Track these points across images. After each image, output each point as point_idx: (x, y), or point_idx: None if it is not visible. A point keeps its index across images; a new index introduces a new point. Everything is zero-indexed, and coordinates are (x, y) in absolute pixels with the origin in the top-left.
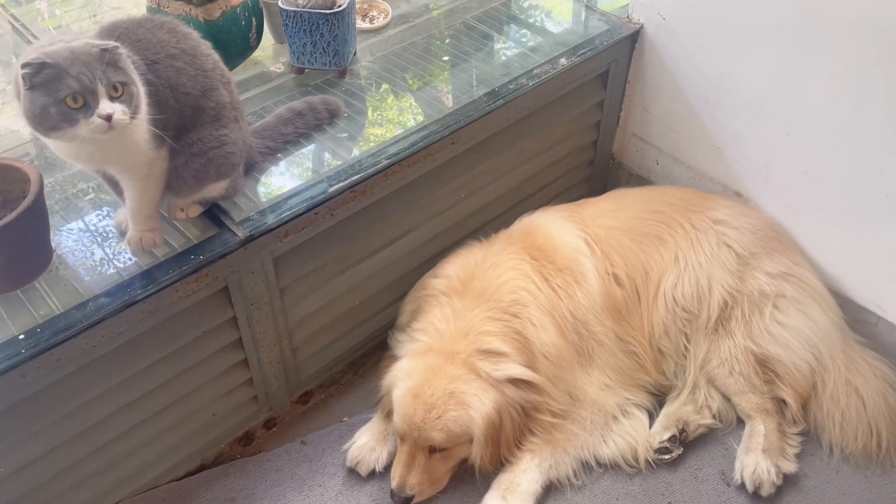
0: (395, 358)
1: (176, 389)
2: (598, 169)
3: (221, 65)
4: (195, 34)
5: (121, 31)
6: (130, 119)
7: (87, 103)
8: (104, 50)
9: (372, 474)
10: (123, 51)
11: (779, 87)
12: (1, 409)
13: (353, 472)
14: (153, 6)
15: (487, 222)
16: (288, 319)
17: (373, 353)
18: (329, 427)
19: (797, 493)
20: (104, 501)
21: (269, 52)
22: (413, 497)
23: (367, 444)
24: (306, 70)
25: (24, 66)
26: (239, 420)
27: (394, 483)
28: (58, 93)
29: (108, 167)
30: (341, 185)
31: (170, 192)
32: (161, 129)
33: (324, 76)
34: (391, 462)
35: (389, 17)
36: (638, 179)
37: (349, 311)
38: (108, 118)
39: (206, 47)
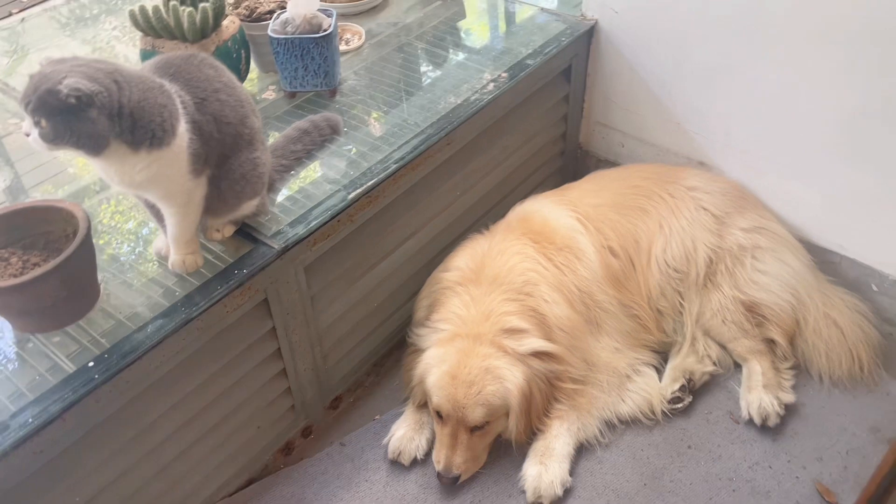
0: (419, 351)
1: (226, 404)
2: (568, 159)
3: (248, 94)
4: (225, 67)
5: (175, 69)
6: (48, 148)
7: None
8: (58, 95)
9: (414, 462)
10: (92, 107)
11: (729, 61)
12: (78, 436)
13: (395, 463)
14: (147, 48)
15: (481, 217)
16: (318, 326)
17: (391, 353)
18: (364, 427)
19: (798, 419)
20: None
21: (255, 82)
22: (460, 476)
23: (405, 434)
24: (297, 93)
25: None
26: (280, 431)
27: (440, 466)
28: None
29: (146, 194)
30: (358, 191)
31: (207, 214)
32: (204, 161)
33: (315, 97)
34: (430, 449)
35: (363, 38)
36: (606, 164)
37: (369, 314)
38: (26, 135)
39: (236, 79)
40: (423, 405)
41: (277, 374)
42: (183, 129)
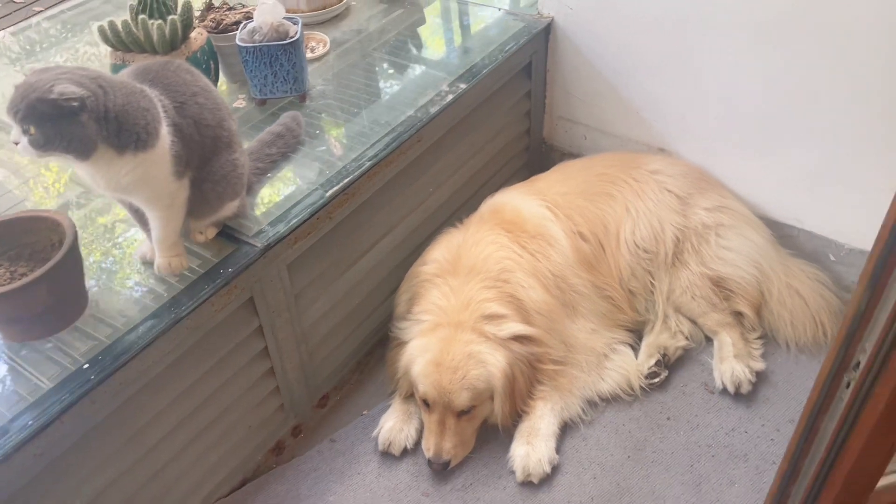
0: (402, 344)
1: (217, 404)
2: (533, 154)
3: (223, 98)
4: (201, 73)
5: (153, 74)
6: (38, 155)
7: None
8: (49, 102)
9: (404, 452)
10: (83, 111)
11: (680, 51)
12: (76, 439)
13: (386, 454)
14: (118, 63)
15: (453, 213)
16: (302, 325)
17: (373, 350)
18: (352, 423)
19: (769, 386)
20: None
21: (224, 92)
22: (450, 462)
23: (394, 425)
24: (268, 100)
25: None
26: (270, 431)
27: (430, 453)
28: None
29: (131, 198)
30: (335, 188)
31: (191, 216)
32: (186, 163)
33: (286, 103)
34: (419, 439)
35: (328, 45)
36: (570, 157)
37: (351, 311)
38: (15, 143)
39: (211, 84)
40: (410, 396)
41: (265, 373)
42: (165, 131)
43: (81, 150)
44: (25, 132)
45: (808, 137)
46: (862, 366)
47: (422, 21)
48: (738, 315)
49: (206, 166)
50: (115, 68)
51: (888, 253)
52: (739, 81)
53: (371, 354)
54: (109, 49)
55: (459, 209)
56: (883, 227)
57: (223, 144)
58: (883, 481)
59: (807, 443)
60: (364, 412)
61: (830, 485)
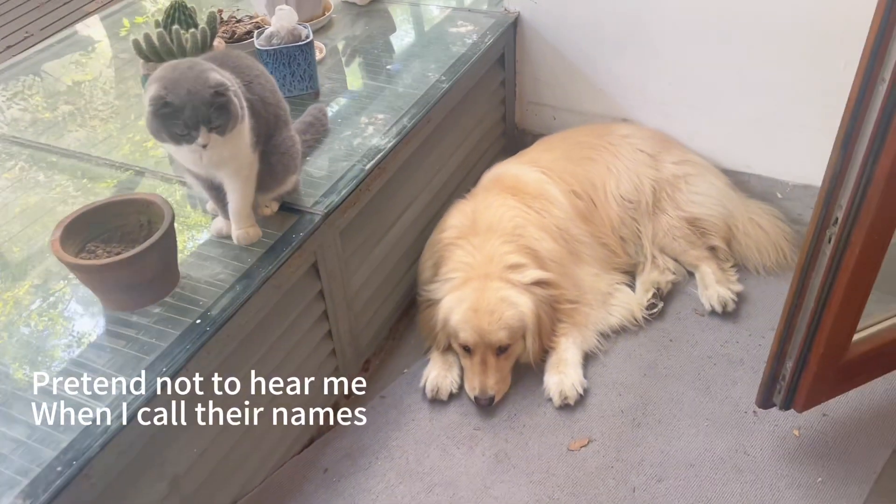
0: (434, 303)
1: (291, 364)
2: (509, 139)
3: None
4: (255, 59)
5: (220, 60)
6: (230, 129)
7: (189, 134)
8: (215, 93)
9: (450, 397)
10: (231, 89)
11: (635, 30)
12: (195, 388)
13: (434, 401)
14: (147, 73)
15: (453, 191)
16: (350, 290)
17: (401, 318)
18: (396, 380)
19: (749, 304)
20: (251, 484)
21: None
22: (494, 397)
23: (438, 374)
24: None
25: (150, 100)
26: (328, 392)
27: (476, 391)
28: (172, 126)
29: (220, 170)
30: (372, 163)
31: (259, 190)
32: (258, 136)
33: (301, 100)
34: (461, 385)
35: (325, 52)
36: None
37: (384, 279)
38: (204, 146)
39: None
40: (447, 349)
41: (325, 335)
42: (245, 106)
43: (236, 122)
44: (212, 129)
45: (752, 94)
46: (840, 220)
47: (402, 26)
48: (713, 249)
49: (271, 141)
50: (146, 79)
51: (856, 118)
52: (690, 51)
53: (400, 321)
54: (142, 61)
55: (457, 188)
56: (849, 99)
57: (282, 122)
58: (857, 336)
59: (799, 299)
60: (405, 370)
61: (821, 332)
